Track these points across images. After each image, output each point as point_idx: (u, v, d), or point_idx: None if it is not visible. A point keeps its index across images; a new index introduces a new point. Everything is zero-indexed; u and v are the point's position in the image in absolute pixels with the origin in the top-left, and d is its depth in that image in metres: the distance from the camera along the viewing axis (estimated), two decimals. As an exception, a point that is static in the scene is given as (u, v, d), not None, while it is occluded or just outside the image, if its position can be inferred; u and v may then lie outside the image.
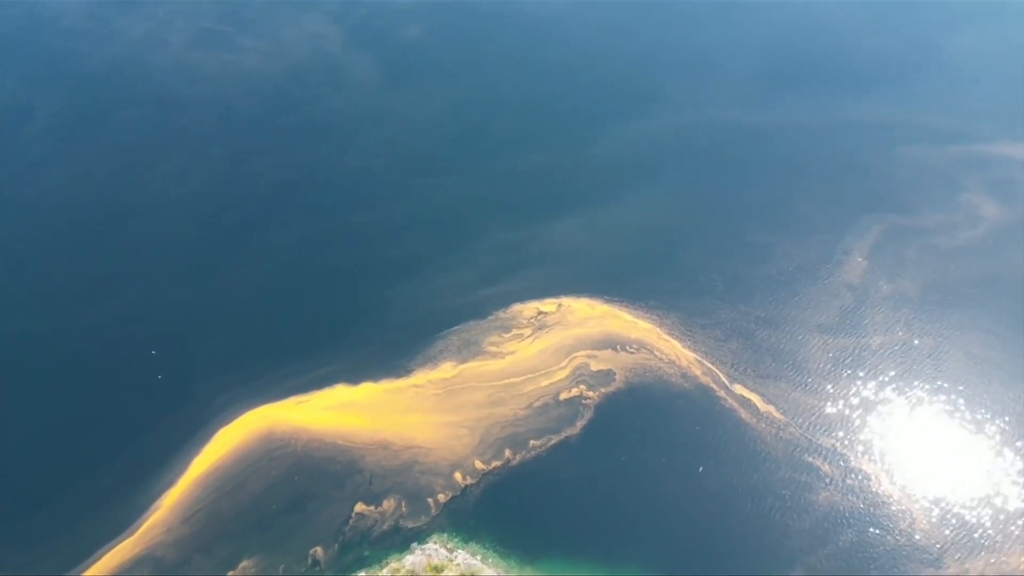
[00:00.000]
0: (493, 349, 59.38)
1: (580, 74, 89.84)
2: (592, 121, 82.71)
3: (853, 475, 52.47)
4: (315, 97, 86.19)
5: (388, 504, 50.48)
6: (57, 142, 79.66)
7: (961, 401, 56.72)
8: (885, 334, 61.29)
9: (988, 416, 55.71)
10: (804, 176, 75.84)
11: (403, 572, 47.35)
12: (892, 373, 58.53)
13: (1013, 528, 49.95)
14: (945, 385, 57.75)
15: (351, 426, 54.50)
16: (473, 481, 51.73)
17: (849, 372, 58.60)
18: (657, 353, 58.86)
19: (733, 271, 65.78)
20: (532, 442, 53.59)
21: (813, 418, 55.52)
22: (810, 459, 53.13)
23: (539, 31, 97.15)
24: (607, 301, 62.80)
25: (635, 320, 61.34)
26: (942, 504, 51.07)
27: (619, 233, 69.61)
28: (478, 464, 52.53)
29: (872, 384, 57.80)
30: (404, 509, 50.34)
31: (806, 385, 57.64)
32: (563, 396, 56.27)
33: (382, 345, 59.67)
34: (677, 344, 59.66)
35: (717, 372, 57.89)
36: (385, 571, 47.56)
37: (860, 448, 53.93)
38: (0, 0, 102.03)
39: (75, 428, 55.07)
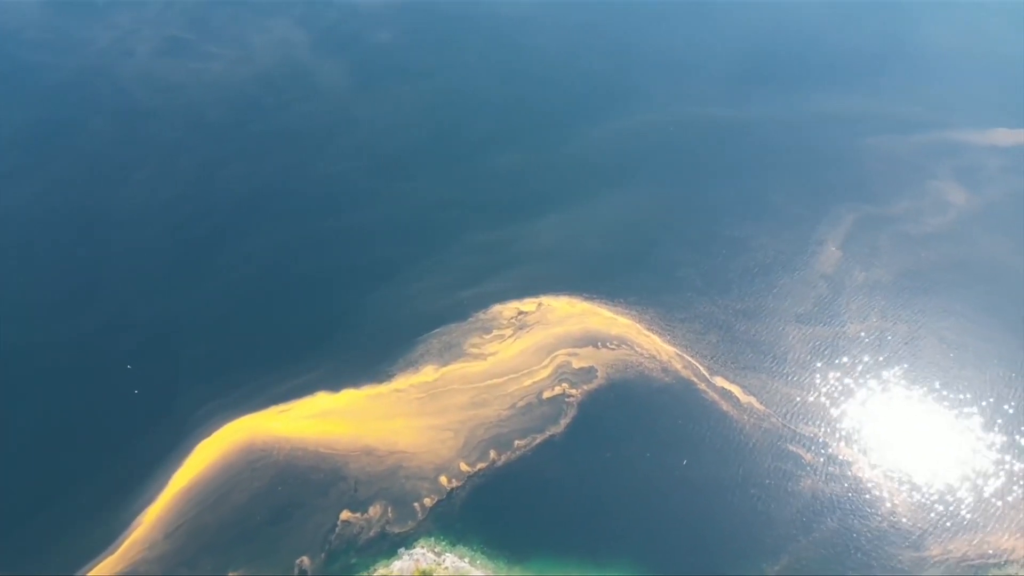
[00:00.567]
0: (474, 351, 59.23)
1: (551, 74, 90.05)
2: (565, 121, 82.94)
3: (834, 462, 53.09)
4: (285, 103, 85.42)
5: (374, 510, 50.08)
6: (25, 155, 78.02)
7: (937, 385, 57.68)
8: (861, 322, 62.14)
9: (964, 399, 56.71)
10: (776, 169, 76.77)
11: (391, 578, 47.11)
12: (869, 360, 59.35)
13: (992, 509, 50.85)
14: (921, 370, 58.72)
15: (334, 433, 54.01)
16: (459, 484, 51.51)
17: (827, 361, 59.30)
18: (638, 348, 59.10)
19: (710, 265, 66.30)
20: (517, 442, 53.52)
21: (793, 407, 56.09)
22: (792, 448, 53.67)
23: (508, 32, 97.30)
24: (586, 299, 62.94)
25: (615, 317, 61.54)
26: (923, 487, 51.84)
27: (596, 231, 69.86)
28: (463, 466, 52.33)
29: (850, 372, 58.55)
30: (390, 515, 49.97)
31: (785, 375, 58.23)
32: (546, 395, 56.27)
33: (362, 351, 59.23)
34: (657, 339, 59.95)
35: (697, 365, 58.26)
36: (373, 578, 47.26)
37: (840, 435, 54.60)
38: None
39: (51, 446, 53.87)
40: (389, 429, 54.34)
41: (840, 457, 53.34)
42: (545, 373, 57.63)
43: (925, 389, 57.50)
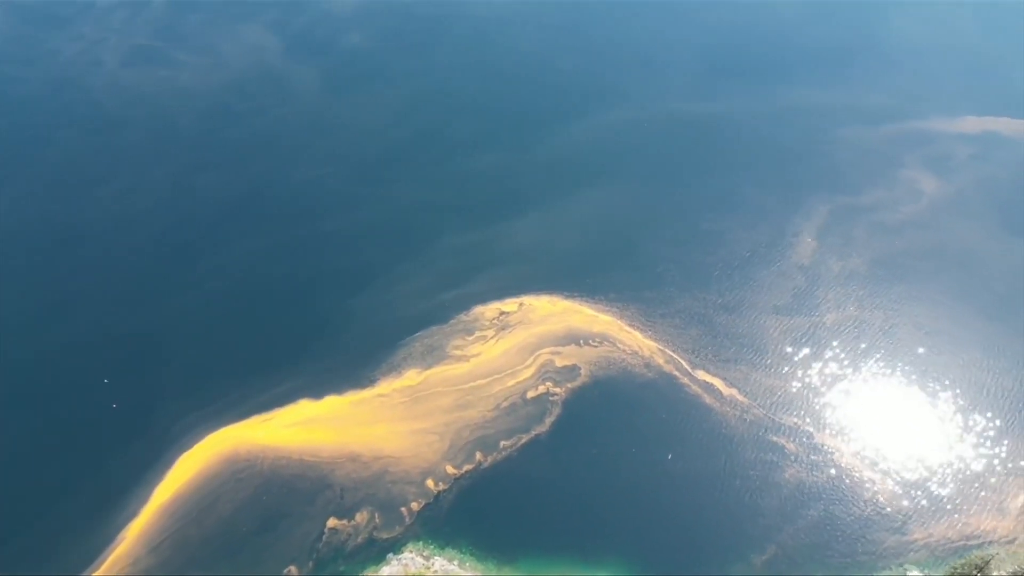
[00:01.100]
0: (457, 353, 59.11)
1: (526, 74, 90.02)
2: (541, 120, 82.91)
3: (817, 451, 53.72)
4: (258, 110, 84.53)
5: (361, 517, 49.81)
6: (-7, 169, 76.67)
7: (915, 372, 58.57)
8: (838, 311, 62.90)
9: (942, 385, 57.65)
10: (751, 163, 77.47)
11: (380, 584, 46.90)
12: (848, 349, 60.10)
13: (972, 492, 51.78)
14: (899, 357, 59.62)
15: (318, 441, 53.64)
16: (445, 487, 51.37)
17: (806, 351, 59.96)
18: (620, 345, 59.34)
19: (689, 260, 66.72)
20: (502, 443, 53.50)
21: (775, 398, 56.65)
22: (775, 438, 54.21)
23: (483, 33, 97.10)
24: (567, 297, 63.08)
25: (596, 314, 61.73)
26: (904, 473, 52.62)
27: (575, 229, 70.03)
28: (449, 469, 52.21)
29: (829, 361, 59.24)
30: (377, 520, 49.73)
31: (766, 366, 58.78)
32: (530, 394, 56.30)
33: (344, 357, 58.83)
34: (639, 335, 60.23)
35: (679, 360, 58.62)
36: (362, 584, 47.03)
37: (822, 424, 55.23)
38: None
39: (28, 464, 52.86)
40: (373, 434, 54.08)
41: (822, 446, 53.97)
42: (528, 373, 57.66)
43: (903, 376, 58.35)
